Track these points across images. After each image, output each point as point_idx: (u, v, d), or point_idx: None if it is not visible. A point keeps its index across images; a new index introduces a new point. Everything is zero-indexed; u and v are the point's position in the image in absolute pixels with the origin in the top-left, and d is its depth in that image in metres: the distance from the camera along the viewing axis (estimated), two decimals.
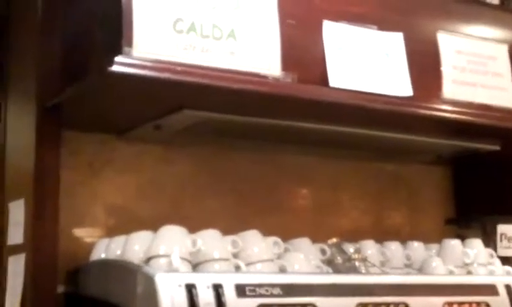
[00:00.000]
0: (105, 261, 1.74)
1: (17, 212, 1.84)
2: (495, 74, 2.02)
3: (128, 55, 1.48)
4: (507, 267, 2.05)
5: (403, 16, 1.90)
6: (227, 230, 1.70)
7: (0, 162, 1.98)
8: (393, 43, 1.84)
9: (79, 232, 1.91)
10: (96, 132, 1.93)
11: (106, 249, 1.77)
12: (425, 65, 1.90)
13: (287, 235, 1.86)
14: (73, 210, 1.89)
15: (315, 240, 1.91)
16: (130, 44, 1.48)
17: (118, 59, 1.46)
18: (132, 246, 1.68)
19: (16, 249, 1.83)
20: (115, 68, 1.46)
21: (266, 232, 1.76)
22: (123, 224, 1.88)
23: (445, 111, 1.91)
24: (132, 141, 1.97)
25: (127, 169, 1.99)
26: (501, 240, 2.19)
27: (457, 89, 1.93)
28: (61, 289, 1.80)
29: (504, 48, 2.05)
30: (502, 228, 2.20)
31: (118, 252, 1.72)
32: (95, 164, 1.94)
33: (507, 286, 1.90)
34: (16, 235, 1.84)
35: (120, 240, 1.74)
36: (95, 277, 1.74)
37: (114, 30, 1.50)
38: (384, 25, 1.84)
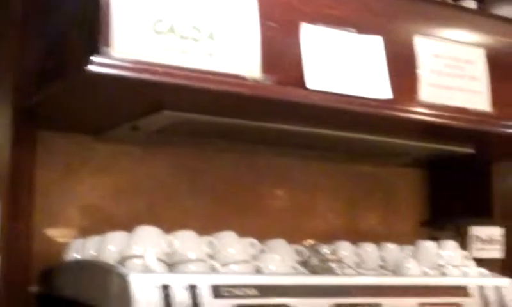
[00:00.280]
0: (80, 262, 1.73)
1: None
2: (472, 78, 2.03)
3: (107, 55, 1.46)
4: (480, 269, 2.07)
5: (382, 20, 1.91)
6: (204, 231, 1.69)
7: None
8: (372, 46, 1.85)
9: (53, 232, 1.90)
10: (73, 132, 1.92)
11: (81, 249, 1.76)
12: (402, 68, 1.90)
13: (263, 236, 1.87)
14: (49, 210, 1.88)
15: (291, 241, 1.91)
16: (108, 44, 1.47)
17: (95, 59, 1.45)
18: (107, 246, 1.67)
19: None
20: (93, 68, 1.44)
21: (243, 233, 1.76)
22: (99, 225, 1.86)
23: (421, 114, 1.92)
24: (109, 141, 1.96)
25: (103, 170, 1.98)
26: (474, 242, 2.21)
27: (434, 92, 1.94)
28: (34, 289, 1.79)
29: (481, 52, 2.07)
30: (475, 230, 2.22)
31: (93, 252, 1.70)
32: (71, 164, 1.93)
33: (480, 288, 1.92)
34: None
35: (94, 240, 1.73)
36: (69, 278, 1.73)
37: (93, 30, 1.48)
38: (363, 28, 1.84)
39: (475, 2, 2.24)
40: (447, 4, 2.17)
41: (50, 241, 1.88)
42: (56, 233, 1.90)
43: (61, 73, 1.61)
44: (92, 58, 1.44)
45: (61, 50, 1.66)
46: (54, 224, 1.90)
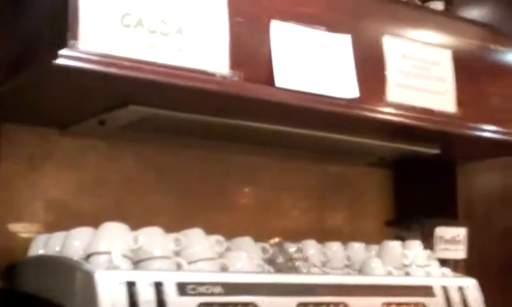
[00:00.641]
0: (44, 257, 1.71)
1: None
2: (438, 79, 2.05)
3: (74, 48, 1.45)
4: (444, 269, 2.08)
5: (351, 19, 1.91)
6: (170, 228, 1.69)
7: None
8: (341, 45, 1.86)
9: (16, 227, 1.87)
10: (38, 125, 1.89)
11: (45, 244, 1.73)
12: (370, 68, 1.91)
13: (230, 233, 1.86)
14: (11, 204, 1.85)
15: (257, 239, 1.90)
16: (76, 37, 1.45)
17: (63, 52, 1.43)
18: (72, 242, 1.65)
19: None
20: (60, 61, 1.43)
21: (209, 230, 1.75)
22: (64, 220, 1.84)
23: (388, 114, 1.93)
24: (75, 135, 1.94)
25: (68, 164, 1.95)
26: (439, 242, 2.23)
27: (401, 92, 1.96)
28: None
29: (448, 54, 2.09)
30: (440, 231, 2.24)
31: (57, 248, 1.68)
32: (35, 157, 1.90)
33: (444, 288, 1.94)
34: None
35: (59, 236, 1.71)
36: (32, 274, 1.71)
37: (60, 23, 1.46)
38: (332, 26, 1.85)
39: (443, 4, 2.27)
40: (415, 6, 2.20)
41: (13, 236, 1.86)
42: (20, 228, 1.88)
43: (27, 65, 1.59)
44: (59, 51, 1.43)
45: (28, 41, 1.64)
46: (17, 218, 1.87)
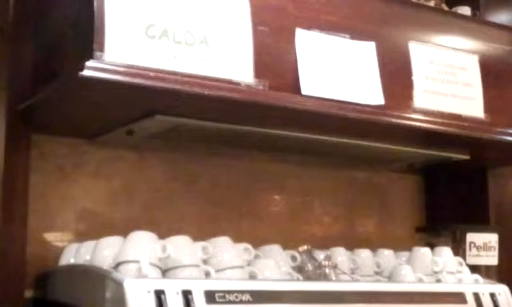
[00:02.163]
0: (74, 266, 1.73)
1: None
2: (466, 84, 2.03)
3: (100, 60, 1.47)
4: (475, 275, 2.06)
5: (375, 26, 1.91)
6: (198, 236, 1.70)
7: None
8: (365, 52, 1.85)
9: (48, 236, 1.90)
10: (67, 136, 1.92)
11: (75, 253, 1.75)
12: (396, 74, 1.91)
13: (258, 241, 1.87)
14: (43, 214, 1.87)
15: (286, 247, 1.91)
16: (101, 49, 1.47)
17: (89, 63, 1.46)
18: (102, 251, 1.66)
19: None
20: (86, 72, 1.45)
21: (238, 238, 1.76)
22: (94, 229, 1.87)
23: (415, 120, 1.92)
24: (104, 145, 1.96)
25: (98, 174, 1.98)
26: (470, 249, 2.21)
27: (428, 98, 1.95)
28: (29, 294, 1.78)
29: (475, 59, 2.07)
30: (471, 237, 2.21)
31: (88, 257, 1.70)
32: (65, 168, 1.93)
33: (475, 294, 1.91)
34: None
35: (89, 245, 1.73)
36: (63, 282, 1.73)
37: (86, 34, 1.49)
38: (356, 34, 1.85)
39: (470, 9, 2.25)
40: (442, 11, 2.18)
41: (45, 245, 1.88)
42: (51, 238, 1.90)
43: (54, 77, 1.61)
44: (85, 62, 1.45)
45: (55, 53, 1.67)
46: (49, 228, 1.90)
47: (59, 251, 1.82)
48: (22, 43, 1.78)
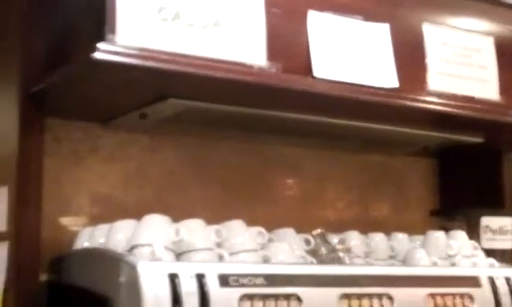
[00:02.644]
0: (89, 250, 1.74)
1: (0, 199, 1.83)
2: (480, 66, 2.02)
3: (112, 42, 1.47)
4: (490, 259, 2.05)
5: (389, 7, 1.90)
6: (212, 220, 1.70)
7: None
8: (379, 34, 1.84)
9: (62, 220, 1.90)
10: (81, 119, 1.92)
11: (90, 237, 1.76)
12: (410, 57, 1.90)
13: (271, 225, 1.86)
14: (57, 197, 1.88)
15: (299, 230, 1.90)
16: (113, 31, 1.47)
17: (101, 46, 1.45)
18: (116, 235, 1.67)
19: None
20: (98, 55, 1.45)
21: (251, 222, 1.76)
22: (108, 213, 1.87)
23: (429, 103, 1.91)
24: (118, 129, 1.96)
25: (111, 158, 1.98)
26: (485, 232, 2.20)
27: (442, 81, 1.94)
28: (44, 277, 1.79)
29: (490, 41, 2.06)
30: (485, 220, 2.21)
31: (102, 240, 1.71)
32: (80, 151, 1.93)
33: (490, 278, 1.90)
34: None
35: (103, 228, 1.74)
36: (78, 266, 1.73)
37: (98, 17, 1.49)
38: (370, 15, 1.84)
39: None
40: None
41: (59, 229, 1.89)
42: (66, 221, 1.91)
43: (67, 60, 1.61)
44: (97, 45, 1.45)
45: (67, 37, 1.67)
46: (63, 212, 1.90)
47: (73, 235, 1.83)
48: (34, 26, 1.77)
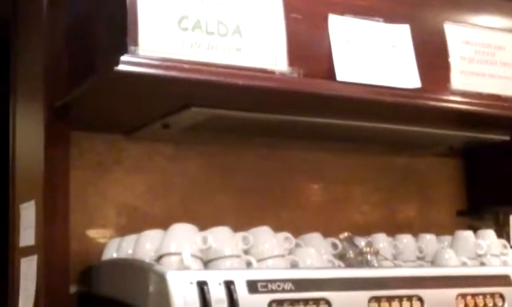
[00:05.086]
0: (117, 261, 1.75)
1: (28, 213, 1.85)
2: (503, 64, 2.00)
3: (134, 54, 1.48)
4: None
5: (409, 8, 1.90)
6: (238, 227, 1.70)
7: (10, 164, 1.99)
8: (399, 35, 1.84)
9: (90, 232, 1.92)
10: (105, 132, 1.94)
11: (117, 248, 1.78)
12: (432, 56, 1.89)
13: (298, 230, 1.87)
14: (84, 210, 1.90)
15: (326, 234, 1.90)
16: (135, 43, 1.49)
17: (123, 58, 1.47)
18: (143, 245, 1.68)
19: (28, 251, 1.84)
20: (121, 67, 1.47)
21: (277, 228, 1.76)
22: (134, 224, 1.89)
23: (453, 102, 1.90)
24: (141, 140, 1.98)
25: (136, 169, 2.00)
26: None
27: (465, 79, 1.93)
28: (73, 289, 1.81)
29: None
30: None
31: (130, 251, 1.72)
32: (104, 163, 1.95)
33: None
34: (27, 236, 1.85)
35: (131, 239, 1.75)
36: (107, 277, 1.75)
37: (120, 29, 1.50)
38: (390, 17, 1.83)
39: None
40: None
41: (88, 241, 1.91)
42: (93, 233, 1.93)
43: (90, 73, 1.63)
44: (120, 57, 1.46)
45: (90, 50, 1.69)
46: (90, 224, 1.92)
47: (101, 246, 1.85)
48: (55, 41, 1.80)
